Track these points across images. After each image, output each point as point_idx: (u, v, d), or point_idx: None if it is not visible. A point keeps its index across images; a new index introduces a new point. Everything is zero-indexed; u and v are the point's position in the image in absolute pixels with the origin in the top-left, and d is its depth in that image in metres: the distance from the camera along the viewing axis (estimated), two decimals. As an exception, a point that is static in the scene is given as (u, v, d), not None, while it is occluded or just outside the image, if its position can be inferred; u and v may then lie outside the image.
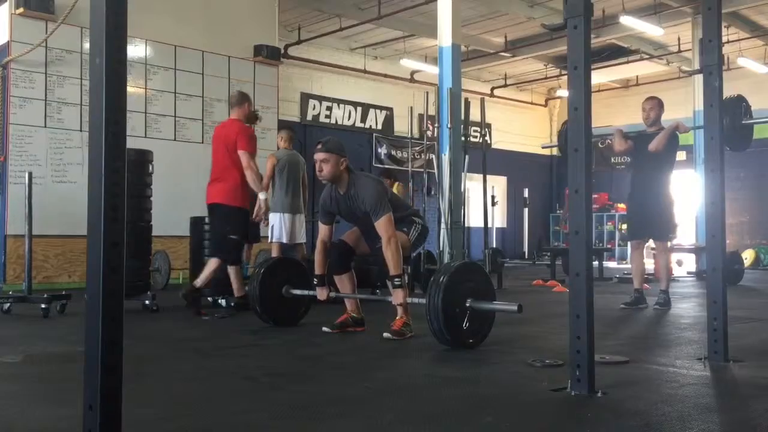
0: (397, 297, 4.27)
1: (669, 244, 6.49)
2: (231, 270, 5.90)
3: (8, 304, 5.67)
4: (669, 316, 5.87)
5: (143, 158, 6.01)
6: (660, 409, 2.60)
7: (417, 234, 4.59)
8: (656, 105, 6.35)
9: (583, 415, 2.56)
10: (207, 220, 6.40)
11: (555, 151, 19.28)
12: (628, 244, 6.70)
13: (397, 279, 4.24)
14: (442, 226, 8.30)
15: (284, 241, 7.72)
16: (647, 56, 15.08)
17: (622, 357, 3.60)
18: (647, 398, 2.79)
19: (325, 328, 4.61)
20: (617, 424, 2.44)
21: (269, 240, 7.89)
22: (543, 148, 7.58)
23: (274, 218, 7.77)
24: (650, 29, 12.56)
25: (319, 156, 4.37)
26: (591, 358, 2.72)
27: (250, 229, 8.37)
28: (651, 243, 6.80)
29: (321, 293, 4.63)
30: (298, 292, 4.84)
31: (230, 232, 5.80)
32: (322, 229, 4.63)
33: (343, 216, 4.60)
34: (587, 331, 2.70)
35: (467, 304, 3.89)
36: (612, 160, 16.68)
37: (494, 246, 11.77)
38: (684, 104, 13.53)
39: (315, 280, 4.67)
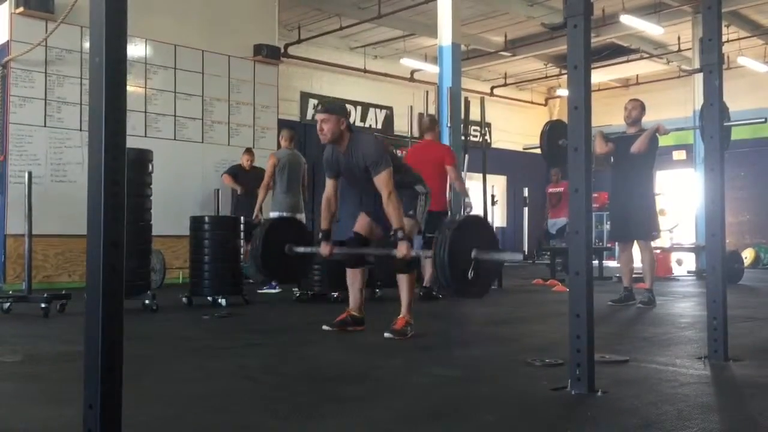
0: (401, 249, 4.20)
1: (652, 243, 6.52)
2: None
3: (8, 304, 5.67)
4: (668, 316, 5.88)
5: (143, 158, 6.01)
6: (660, 408, 2.60)
7: (423, 209, 4.54)
8: (638, 106, 6.49)
9: (583, 414, 2.57)
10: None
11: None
12: (616, 243, 6.75)
13: (400, 231, 4.21)
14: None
15: None
16: (647, 55, 15.08)
17: (622, 356, 3.60)
18: (647, 397, 2.79)
19: (325, 327, 4.61)
20: (617, 423, 2.44)
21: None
22: (525, 149, 7.70)
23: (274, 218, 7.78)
24: (650, 28, 12.56)
25: (319, 116, 4.39)
26: (591, 357, 2.72)
27: (252, 229, 8.40)
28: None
29: (324, 248, 4.56)
30: (300, 249, 4.82)
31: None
32: (328, 185, 4.59)
33: (344, 174, 4.54)
34: (587, 331, 2.70)
35: (472, 256, 3.88)
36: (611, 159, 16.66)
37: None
38: (684, 104, 13.54)
39: (320, 234, 4.63)
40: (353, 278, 4.65)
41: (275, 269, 4.85)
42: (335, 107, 4.45)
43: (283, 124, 10.16)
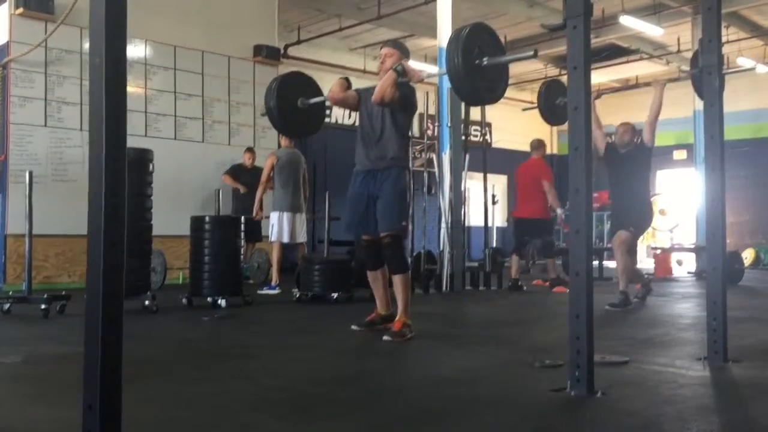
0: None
1: (628, 240, 6.37)
2: (550, 261, 8.64)
3: (8, 305, 5.67)
4: (668, 316, 5.87)
5: (143, 157, 6.01)
6: (659, 410, 2.60)
7: (407, 213, 4.57)
8: (629, 130, 6.53)
9: (583, 415, 2.57)
10: (515, 228, 8.93)
11: (555, 151, 19.30)
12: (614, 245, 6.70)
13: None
14: (443, 225, 8.31)
15: (285, 240, 7.73)
16: (647, 56, 15.08)
17: (622, 357, 3.60)
18: (646, 398, 2.79)
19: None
20: (616, 424, 2.44)
21: (269, 239, 7.90)
22: (523, 110, 8.01)
23: (274, 217, 7.78)
24: (650, 29, 12.56)
25: (385, 50, 4.61)
26: (590, 358, 2.72)
27: (253, 228, 8.41)
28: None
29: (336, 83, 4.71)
30: (313, 100, 4.87)
31: (549, 234, 8.81)
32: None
33: (366, 114, 4.62)
34: (587, 331, 2.70)
35: (484, 63, 3.89)
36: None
37: (494, 245, 11.79)
38: (684, 104, 13.52)
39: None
40: (374, 280, 4.67)
41: (293, 124, 4.94)
42: (401, 46, 4.69)
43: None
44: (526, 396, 2.88)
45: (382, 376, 3.37)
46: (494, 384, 3.16)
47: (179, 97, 9.36)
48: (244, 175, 9.00)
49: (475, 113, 9.37)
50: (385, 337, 4.27)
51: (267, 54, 10.01)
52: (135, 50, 8.89)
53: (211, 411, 2.61)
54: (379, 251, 4.64)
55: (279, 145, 8.25)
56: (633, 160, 6.37)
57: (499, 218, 15.59)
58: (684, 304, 6.92)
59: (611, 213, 6.67)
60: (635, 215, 6.34)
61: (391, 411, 2.64)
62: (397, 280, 4.45)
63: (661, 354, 3.91)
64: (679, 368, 3.42)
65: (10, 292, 6.57)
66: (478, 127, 13.15)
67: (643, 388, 3.00)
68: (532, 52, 3.93)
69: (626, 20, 11.99)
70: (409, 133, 4.79)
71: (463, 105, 8.62)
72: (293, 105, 4.83)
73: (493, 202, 12.09)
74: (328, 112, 14.24)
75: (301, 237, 7.90)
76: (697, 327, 4.83)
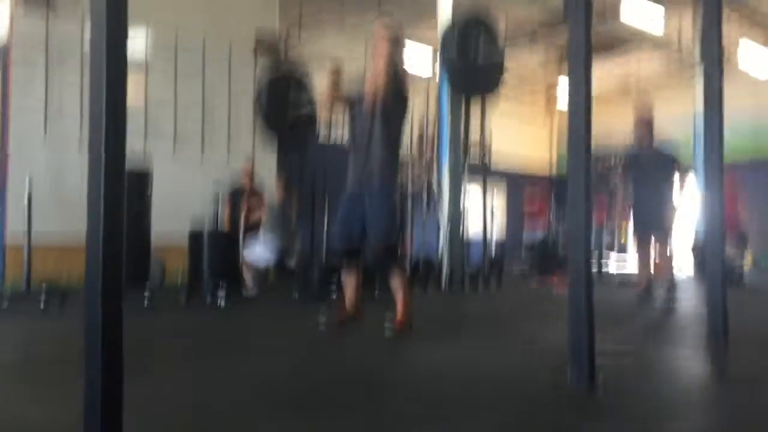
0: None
1: (668, 248, 6.51)
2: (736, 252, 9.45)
3: (8, 303, 5.67)
4: (669, 315, 5.88)
5: (142, 181, 5.96)
6: (660, 406, 2.60)
7: (397, 228, 4.52)
8: (644, 126, 6.50)
9: (583, 412, 2.57)
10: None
11: (554, 161, 19.35)
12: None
13: None
14: (441, 238, 8.31)
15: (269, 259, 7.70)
16: (647, 55, 15.11)
17: (623, 354, 3.60)
18: (647, 395, 2.79)
19: (321, 328, 4.60)
20: (617, 421, 2.44)
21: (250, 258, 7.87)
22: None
23: (263, 237, 7.75)
24: (650, 27, 12.63)
25: (378, 32, 4.56)
26: (591, 355, 2.73)
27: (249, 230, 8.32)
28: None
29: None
30: (303, 111, 4.91)
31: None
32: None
33: (358, 120, 4.53)
34: (587, 329, 2.71)
35: (480, 54, 3.96)
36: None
37: (493, 256, 11.82)
38: (684, 104, 13.53)
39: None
40: (348, 278, 4.65)
41: (282, 133, 4.92)
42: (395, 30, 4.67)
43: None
44: (526, 392, 2.88)
45: (381, 375, 3.37)
46: (494, 381, 3.16)
47: (179, 97, 9.36)
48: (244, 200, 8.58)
49: (474, 120, 9.38)
50: (387, 334, 4.27)
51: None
52: (135, 49, 8.89)
53: (211, 410, 2.61)
54: (357, 253, 4.60)
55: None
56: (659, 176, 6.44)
57: (498, 223, 15.53)
58: (684, 304, 6.92)
59: (638, 211, 6.58)
60: (667, 221, 6.43)
61: (390, 409, 2.64)
62: (393, 279, 4.46)
63: (662, 351, 3.92)
64: (680, 366, 3.43)
65: (10, 291, 6.58)
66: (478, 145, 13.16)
67: (644, 385, 3.00)
68: (528, 39, 3.99)
69: (627, 19, 12.03)
70: (401, 141, 4.70)
71: (463, 121, 8.59)
72: (283, 119, 4.78)
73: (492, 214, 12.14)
74: (327, 112, 14.28)
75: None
76: (698, 325, 4.83)
